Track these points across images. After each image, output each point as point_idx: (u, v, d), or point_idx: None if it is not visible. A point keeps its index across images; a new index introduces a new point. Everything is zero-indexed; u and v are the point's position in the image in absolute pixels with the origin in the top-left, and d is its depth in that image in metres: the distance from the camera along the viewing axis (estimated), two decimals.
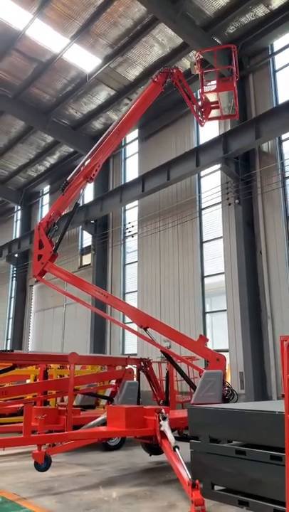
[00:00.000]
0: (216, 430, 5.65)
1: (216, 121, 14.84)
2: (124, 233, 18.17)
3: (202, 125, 10.30)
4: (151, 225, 16.67)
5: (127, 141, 19.41)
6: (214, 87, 9.78)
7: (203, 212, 15.10)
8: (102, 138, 9.52)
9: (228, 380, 10.98)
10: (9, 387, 10.21)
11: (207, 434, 5.63)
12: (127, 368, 9.64)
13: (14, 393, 9.60)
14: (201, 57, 10.52)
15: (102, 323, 17.81)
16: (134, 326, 9.37)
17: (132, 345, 16.71)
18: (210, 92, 9.75)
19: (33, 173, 23.97)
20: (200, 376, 7.87)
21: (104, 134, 9.58)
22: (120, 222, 18.60)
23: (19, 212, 26.29)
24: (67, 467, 7.57)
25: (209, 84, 10.00)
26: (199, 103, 10.27)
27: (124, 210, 18.73)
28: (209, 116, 10.21)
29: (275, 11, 13.02)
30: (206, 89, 9.79)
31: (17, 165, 23.31)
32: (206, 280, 14.60)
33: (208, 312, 14.44)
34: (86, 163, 9.32)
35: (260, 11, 13.18)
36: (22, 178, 24.55)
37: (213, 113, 10.32)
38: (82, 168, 9.26)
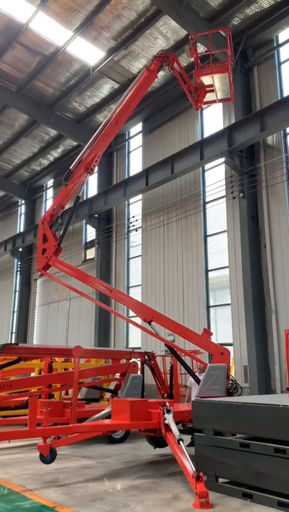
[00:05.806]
0: (220, 423, 5.68)
1: (221, 114, 14.84)
2: (128, 227, 18.14)
3: (197, 108, 10.28)
4: (155, 218, 16.64)
5: (131, 135, 19.33)
6: (209, 70, 9.62)
7: (208, 206, 15.05)
8: (100, 128, 9.47)
9: (232, 373, 10.98)
10: (14, 380, 10.30)
11: (211, 427, 5.66)
12: (131, 361, 9.68)
13: (19, 386, 9.69)
14: (195, 40, 10.36)
15: (106, 316, 17.86)
16: (138, 320, 9.39)
17: (136, 338, 16.76)
18: (204, 74, 9.59)
19: (36, 167, 23.95)
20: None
21: (102, 124, 9.53)
22: (124, 216, 18.57)
23: (23, 207, 26.33)
24: (72, 459, 7.64)
25: (205, 67, 9.86)
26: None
27: (128, 204, 18.69)
28: (204, 100, 10.13)
29: (281, 1, 12.86)
30: (200, 72, 9.63)
31: (21, 159, 23.29)
32: (210, 274, 14.58)
33: (212, 306, 14.44)
34: (86, 154, 9.29)
35: (266, 2, 13.03)
36: (26, 172, 24.55)
37: (209, 97, 10.21)
38: (84, 157, 9.23)
